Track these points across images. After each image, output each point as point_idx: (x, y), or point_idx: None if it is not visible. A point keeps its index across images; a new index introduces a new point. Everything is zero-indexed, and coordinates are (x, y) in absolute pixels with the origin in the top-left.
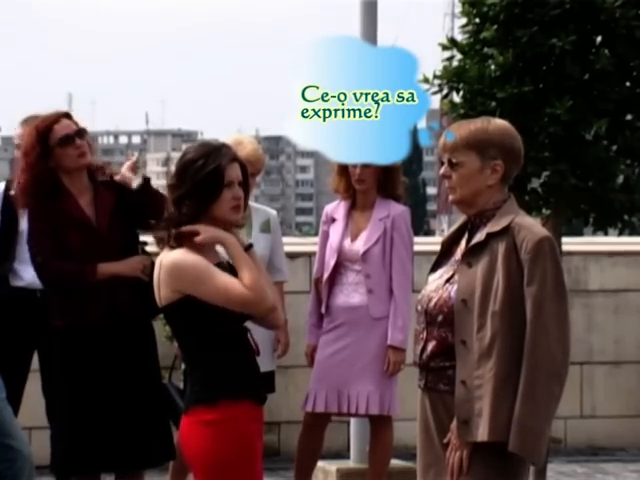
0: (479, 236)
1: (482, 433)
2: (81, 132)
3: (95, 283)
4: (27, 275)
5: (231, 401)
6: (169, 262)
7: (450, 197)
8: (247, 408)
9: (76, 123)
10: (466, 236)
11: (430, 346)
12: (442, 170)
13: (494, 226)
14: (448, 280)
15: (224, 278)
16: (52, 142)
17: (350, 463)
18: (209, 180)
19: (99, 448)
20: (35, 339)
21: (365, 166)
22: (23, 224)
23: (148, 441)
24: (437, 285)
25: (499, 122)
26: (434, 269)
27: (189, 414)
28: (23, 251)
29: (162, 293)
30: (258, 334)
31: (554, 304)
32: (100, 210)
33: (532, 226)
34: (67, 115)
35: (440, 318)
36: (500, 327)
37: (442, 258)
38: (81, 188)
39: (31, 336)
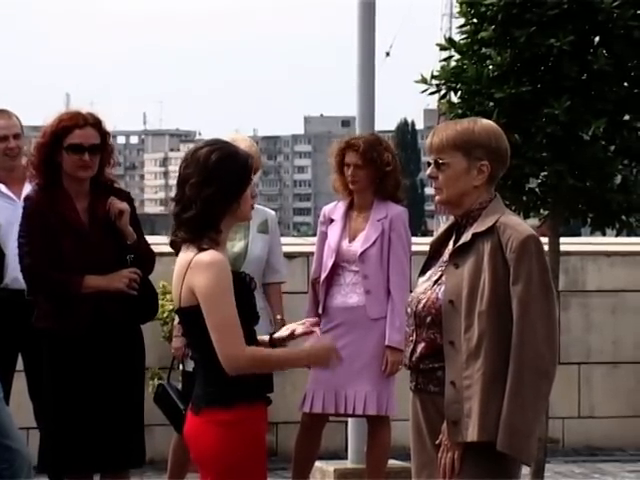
0: (465, 236)
1: (472, 433)
2: (95, 148)
3: (80, 295)
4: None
5: (247, 403)
6: (207, 263)
7: (437, 198)
8: (260, 410)
9: (102, 134)
10: (453, 237)
11: (419, 348)
12: (428, 171)
13: (480, 226)
14: (436, 281)
15: (235, 315)
16: (64, 143)
17: (348, 463)
18: (240, 177)
19: (83, 449)
20: (21, 340)
21: (358, 167)
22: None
23: (127, 443)
24: (426, 287)
25: (485, 122)
26: (423, 271)
27: (202, 414)
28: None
29: (187, 293)
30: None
31: (540, 303)
32: (95, 217)
33: (517, 225)
34: (96, 124)
35: (429, 320)
36: (487, 327)
37: (431, 260)
38: (80, 192)
39: (18, 337)
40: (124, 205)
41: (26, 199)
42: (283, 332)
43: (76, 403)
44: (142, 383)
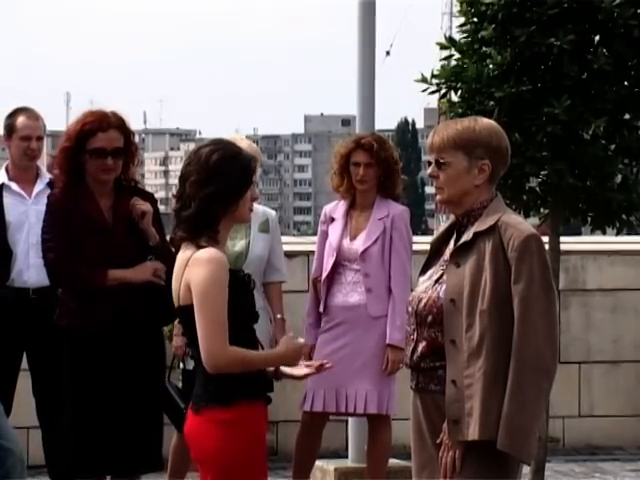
0: (466, 235)
1: (473, 432)
2: (118, 151)
3: (104, 288)
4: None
5: (247, 402)
6: (205, 259)
7: (438, 197)
8: (261, 409)
9: (127, 136)
10: (454, 236)
11: (420, 347)
12: (429, 170)
13: (481, 225)
14: (437, 280)
15: (223, 314)
16: (87, 146)
17: (348, 462)
18: (241, 179)
19: (100, 449)
20: (26, 338)
21: (369, 166)
22: None
23: (146, 446)
24: (426, 286)
25: (486, 122)
26: (424, 270)
27: (202, 413)
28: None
29: (185, 291)
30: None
31: (541, 301)
32: (118, 215)
33: (519, 224)
34: (119, 127)
35: (430, 318)
36: (488, 326)
37: (432, 259)
38: (104, 191)
39: (22, 335)
40: (147, 206)
41: (50, 196)
42: (288, 370)
43: (96, 402)
44: (163, 384)
